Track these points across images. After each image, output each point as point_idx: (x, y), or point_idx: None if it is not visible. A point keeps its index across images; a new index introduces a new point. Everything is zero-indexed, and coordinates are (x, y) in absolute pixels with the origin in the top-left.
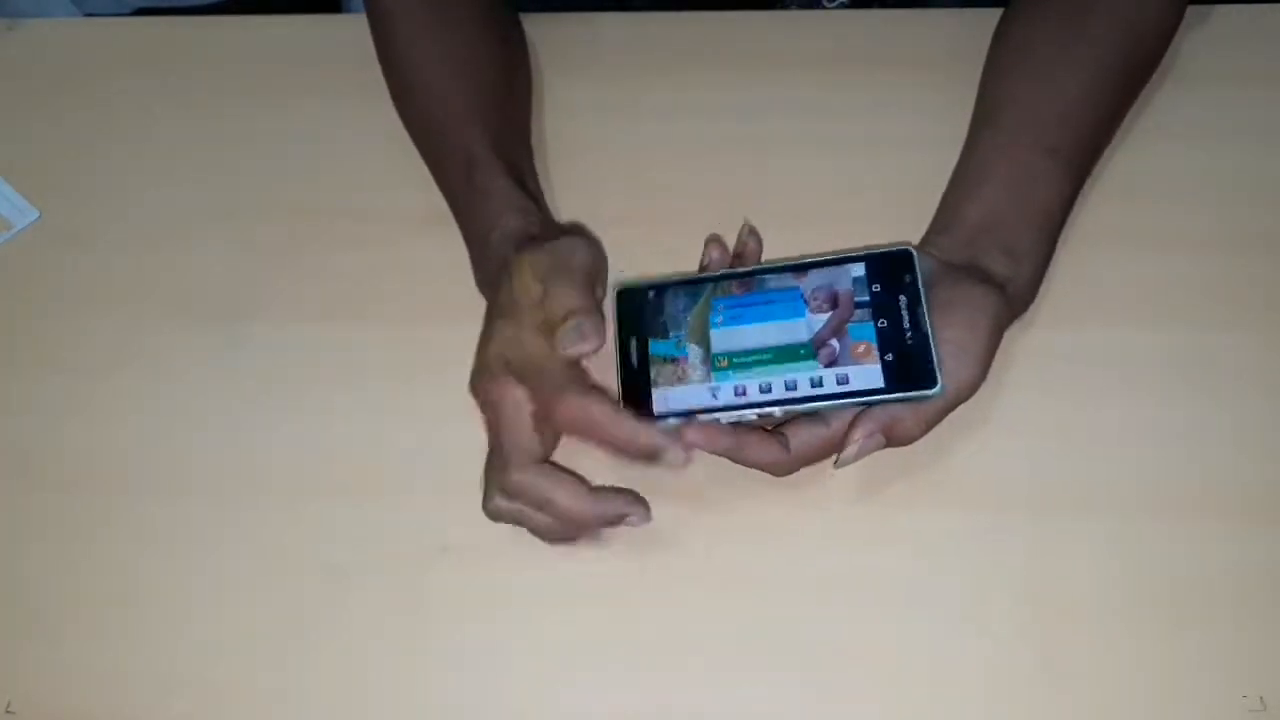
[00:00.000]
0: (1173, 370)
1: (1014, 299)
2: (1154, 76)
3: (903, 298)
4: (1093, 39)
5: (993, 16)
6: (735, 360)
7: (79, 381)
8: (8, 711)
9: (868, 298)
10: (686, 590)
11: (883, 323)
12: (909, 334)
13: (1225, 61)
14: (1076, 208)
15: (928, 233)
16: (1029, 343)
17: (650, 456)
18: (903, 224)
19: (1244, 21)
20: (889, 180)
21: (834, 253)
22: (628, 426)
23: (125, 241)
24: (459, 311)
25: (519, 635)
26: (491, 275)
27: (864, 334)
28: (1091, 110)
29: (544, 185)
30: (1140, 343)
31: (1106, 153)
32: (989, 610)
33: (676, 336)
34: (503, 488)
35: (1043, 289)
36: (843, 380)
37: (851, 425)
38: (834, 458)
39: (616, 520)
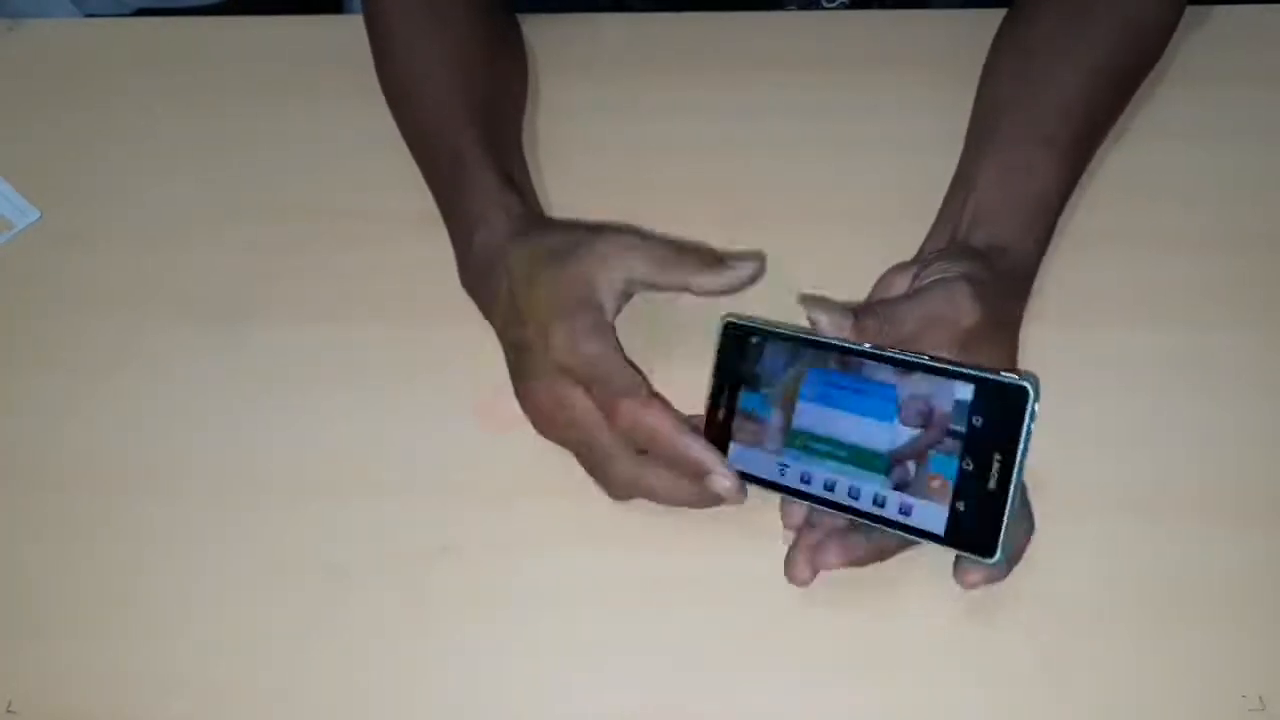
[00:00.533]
0: (1173, 370)
1: (1005, 286)
2: (1154, 76)
3: (999, 444)
4: (1091, 39)
5: (993, 16)
6: (811, 444)
7: (79, 381)
8: (8, 711)
9: (964, 428)
10: (686, 590)
11: (968, 464)
12: (991, 489)
13: (1225, 61)
14: (1077, 209)
15: (928, 236)
16: (1029, 343)
17: (699, 475)
18: (903, 224)
19: (1244, 22)
20: (888, 180)
21: (908, 346)
22: (683, 441)
23: (125, 242)
24: (459, 311)
25: (519, 635)
26: (480, 272)
27: (945, 468)
28: (1089, 106)
29: (542, 186)
30: (1140, 343)
31: (1106, 153)
32: (989, 610)
33: (766, 394)
34: (610, 490)
35: (1042, 289)
36: (905, 510)
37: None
38: None
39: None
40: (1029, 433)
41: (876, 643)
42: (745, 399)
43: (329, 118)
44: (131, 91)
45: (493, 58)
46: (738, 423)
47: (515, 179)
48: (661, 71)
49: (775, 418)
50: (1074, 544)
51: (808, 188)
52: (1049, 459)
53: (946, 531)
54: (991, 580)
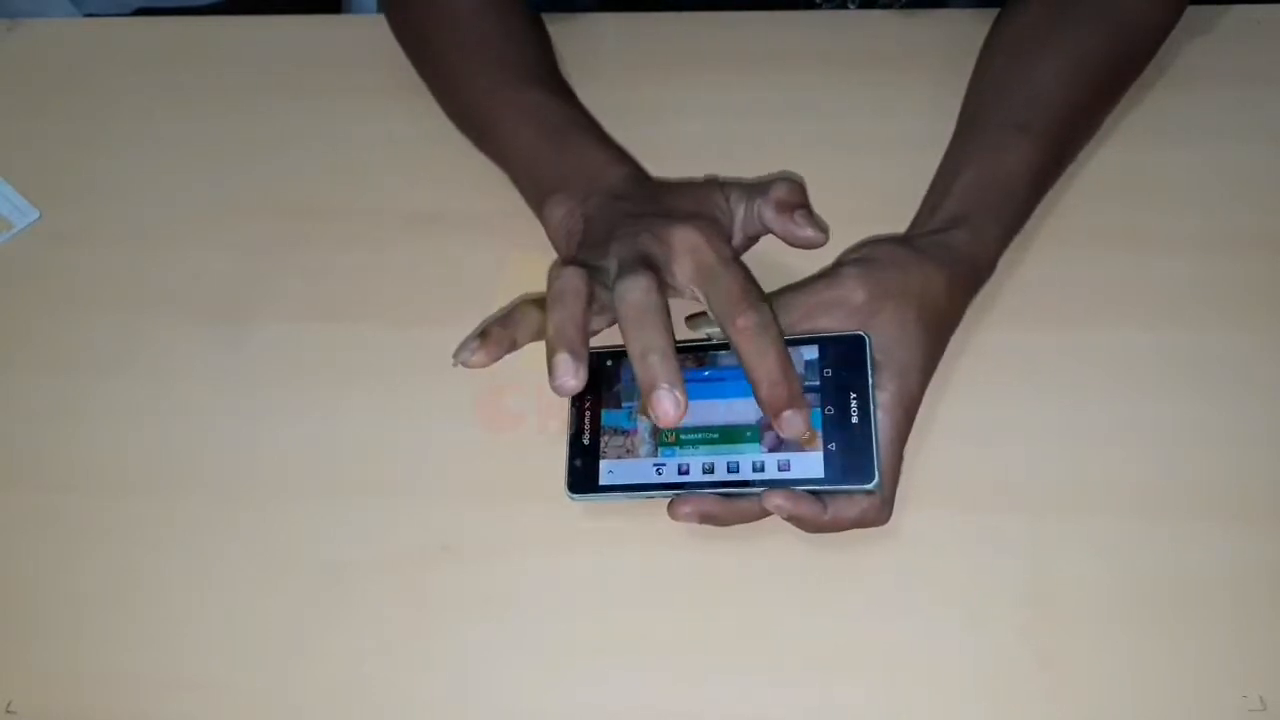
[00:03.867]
0: (1172, 370)
1: (967, 271)
2: (1153, 76)
3: (852, 386)
4: (1075, 32)
5: (993, 17)
6: (682, 437)
7: (79, 381)
8: (8, 711)
9: (817, 382)
10: (686, 590)
11: (830, 410)
12: (854, 424)
13: (1226, 62)
14: (1075, 209)
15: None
16: (1028, 343)
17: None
18: (902, 225)
19: (1245, 23)
20: (889, 181)
21: (789, 333)
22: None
23: (125, 242)
24: (459, 311)
25: (519, 635)
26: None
27: (810, 421)
28: (1067, 90)
29: None
30: (1139, 343)
31: (1105, 153)
32: (989, 610)
33: (629, 408)
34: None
35: (1041, 289)
36: (784, 467)
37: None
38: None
39: None
40: (873, 373)
41: (876, 643)
42: (607, 417)
43: (329, 117)
44: (131, 91)
45: (543, 35)
46: (605, 440)
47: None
48: (661, 72)
49: (643, 425)
50: (1074, 544)
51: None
52: (1049, 459)
53: (826, 473)
54: (867, 520)
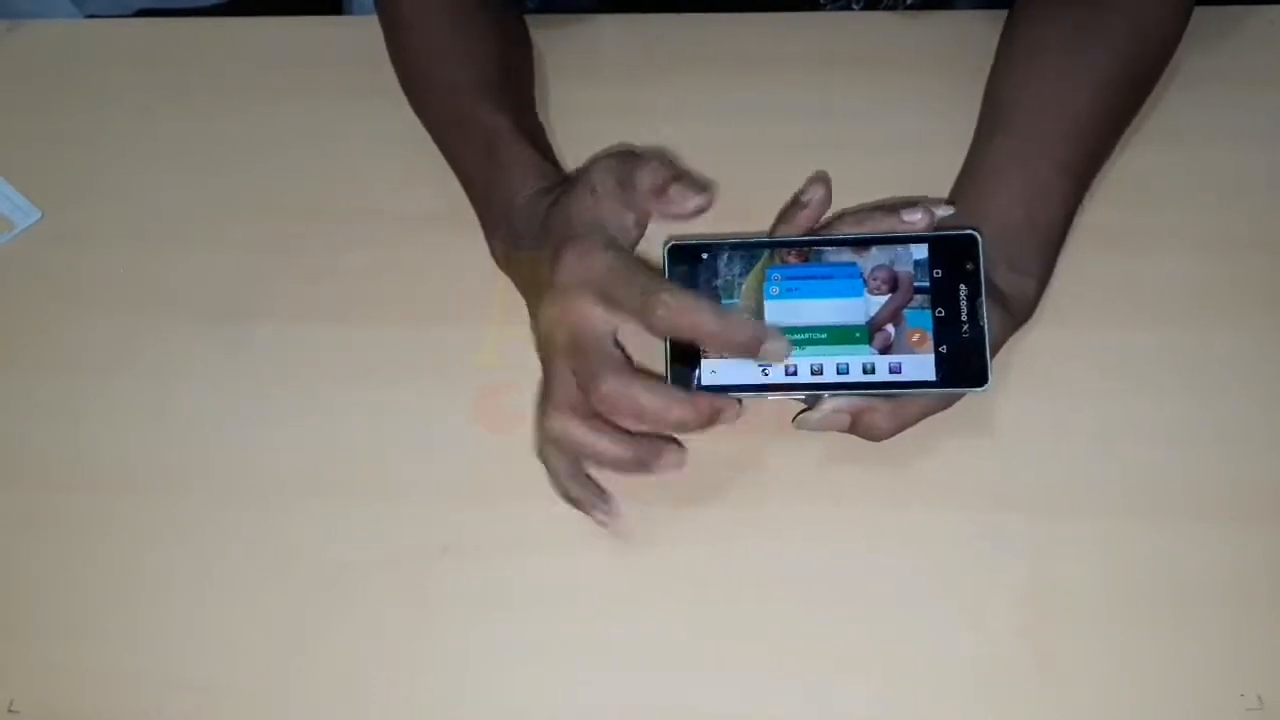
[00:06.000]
0: (1172, 370)
1: (1016, 313)
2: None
3: (963, 286)
4: (1106, 44)
5: (995, 17)
6: (790, 338)
7: (80, 381)
8: (10, 710)
9: (928, 283)
10: (687, 590)
11: (940, 311)
12: (965, 326)
13: (1226, 62)
14: (1077, 209)
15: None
16: (1027, 343)
17: (754, 348)
18: None
19: (1245, 23)
20: (891, 182)
21: (896, 231)
22: (732, 319)
23: (127, 242)
24: (459, 311)
25: (519, 635)
26: (521, 235)
27: (921, 321)
28: (1101, 125)
29: None
30: (1139, 343)
31: None
32: (989, 610)
33: (728, 305)
34: (596, 398)
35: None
36: (895, 369)
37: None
38: (796, 417)
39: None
40: (984, 273)
41: (876, 643)
42: None
43: (329, 118)
44: (132, 92)
45: (508, 50)
46: None
47: (550, 157)
48: (661, 72)
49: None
50: (1073, 544)
51: None
52: (1049, 459)
53: (938, 375)
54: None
